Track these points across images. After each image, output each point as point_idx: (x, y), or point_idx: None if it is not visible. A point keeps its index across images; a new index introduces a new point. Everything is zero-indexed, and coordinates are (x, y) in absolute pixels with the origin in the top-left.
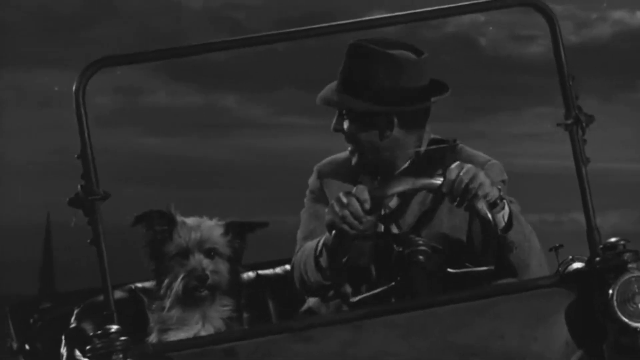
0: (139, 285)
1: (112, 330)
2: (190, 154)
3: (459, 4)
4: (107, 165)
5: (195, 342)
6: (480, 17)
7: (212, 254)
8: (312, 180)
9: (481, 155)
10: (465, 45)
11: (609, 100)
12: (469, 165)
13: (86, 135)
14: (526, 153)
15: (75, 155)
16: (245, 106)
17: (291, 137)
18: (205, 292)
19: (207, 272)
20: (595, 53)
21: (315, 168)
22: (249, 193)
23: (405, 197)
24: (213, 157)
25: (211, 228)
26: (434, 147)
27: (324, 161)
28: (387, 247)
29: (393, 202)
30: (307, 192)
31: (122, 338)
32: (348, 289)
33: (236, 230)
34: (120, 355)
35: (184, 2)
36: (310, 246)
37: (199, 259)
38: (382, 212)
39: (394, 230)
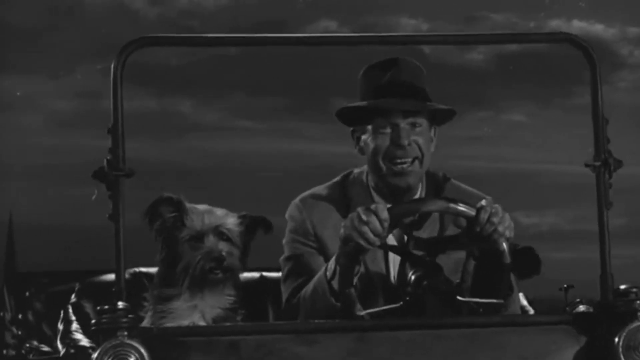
0: (144, 270)
1: (120, 307)
2: (147, 157)
3: (493, 32)
4: (69, 165)
5: (200, 330)
6: (424, 25)
7: (226, 237)
8: (294, 214)
9: (473, 191)
10: (411, 54)
11: (547, 106)
12: (497, 206)
13: (119, 111)
14: (467, 155)
15: (106, 130)
16: (200, 110)
17: (243, 139)
18: (220, 275)
19: (223, 253)
20: (533, 60)
21: (297, 202)
22: (204, 193)
23: (427, 220)
24: (169, 159)
25: (224, 214)
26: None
27: (305, 195)
28: (401, 265)
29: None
30: (288, 232)
31: (129, 316)
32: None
33: (250, 224)
34: (125, 333)
35: (141, 11)
36: (318, 278)
37: (214, 241)
38: (406, 230)
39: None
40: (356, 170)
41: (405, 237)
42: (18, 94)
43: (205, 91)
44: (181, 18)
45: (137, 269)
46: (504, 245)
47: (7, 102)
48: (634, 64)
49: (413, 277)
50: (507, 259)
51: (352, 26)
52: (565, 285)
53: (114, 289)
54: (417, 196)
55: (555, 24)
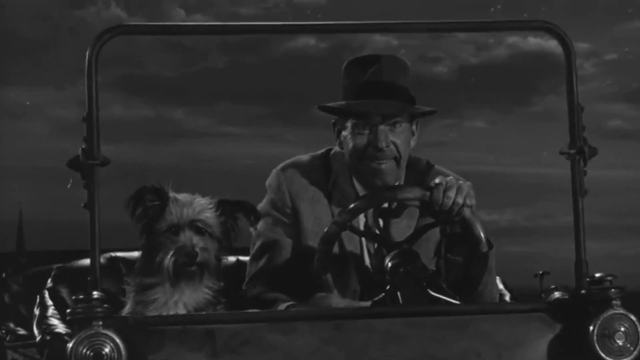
0: (120, 254)
1: (95, 296)
2: (142, 160)
3: (475, 20)
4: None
5: (176, 319)
6: (394, 41)
7: (203, 231)
8: (274, 184)
9: (454, 175)
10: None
11: (507, 113)
12: (450, 178)
13: (94, 100)
14: (433, 158)
15: (82, 118)
16: (191, 117)
17: (230, 144)
18: (194, 268)
19: (197, 249)
20: (494, 72)
21: (278, 171)
22: (194, 193)
23: (406, 207)
24: (162, 162)
25: (203, 206)
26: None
27: (287, 163)
28: (378, 251)
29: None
30: (266, 202)
31: (104, 305)
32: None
33: (227, 209)
34: (100, 323)
35: None
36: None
37: (189, 236)
38: (384, 217)
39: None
40: (337, 148)
41: (381, 222)
42: (27, 103)
43: (196, 100)
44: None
45: (113, 254)
46: (469, 212)
47: (18, 111)
48: (583, 75)
49: (390, 264)
50: (477, 227)
51: (329, 42)
52: (540, 272)
53: (89, 279)
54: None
55: (513, 40)
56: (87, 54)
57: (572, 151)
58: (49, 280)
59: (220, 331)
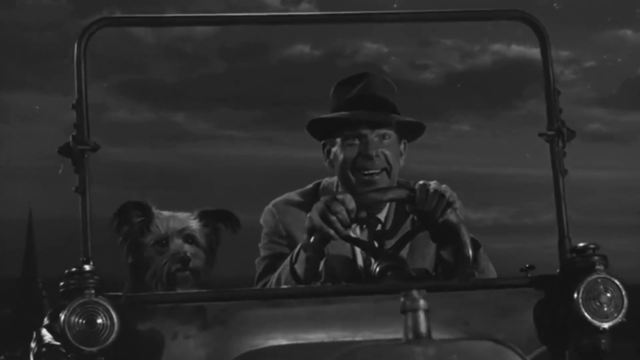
0: None
1: (87, 269)
2: (145, 161)
3: (456, 9)
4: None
5: (167, 297)
6: (384, 48)
7: (191, 240)
8: (267, 219)
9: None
10: (372, 72)
11: (492, 117)
12: (435, 181)
13: (83, 87)
14: (422, 160)
15: (71, 106)
16: (192, 121)
17: (228, 146)
18: (187, 273)
19: (189, 254)
20: (479, 78)
21: (270, 208)
22: (194, 193)
23: (400, 227)
24: (163, 164)
25: (188, 218)
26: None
27: (278, 200)
28: (365, 259)
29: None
30: (263, 235)
31: (96, 277)
32: None
33: (209, 219)
34: (92, 291)
35: (142, 37)
36: (283, 266)
37: (179, 244)
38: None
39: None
40: (326, 180)
41: (376, 243)
42: (37, 107)
43: (196, 104)
44: (175, 42)
45: None
46: (454, 214)
47: (28, 115)
48: (564, 81)
49: (377, 270)
50: (461, 228)
51: (323, 49)
52: (527, 265)
53: (81, 259)
54: (386, 206)
55: (497, 47)
56: (76, 44)
57: (551, 132)
58: (45, 319)
59: (210, 306)
